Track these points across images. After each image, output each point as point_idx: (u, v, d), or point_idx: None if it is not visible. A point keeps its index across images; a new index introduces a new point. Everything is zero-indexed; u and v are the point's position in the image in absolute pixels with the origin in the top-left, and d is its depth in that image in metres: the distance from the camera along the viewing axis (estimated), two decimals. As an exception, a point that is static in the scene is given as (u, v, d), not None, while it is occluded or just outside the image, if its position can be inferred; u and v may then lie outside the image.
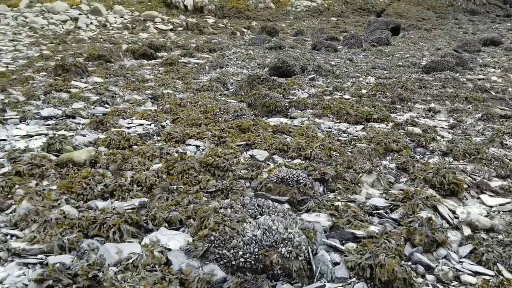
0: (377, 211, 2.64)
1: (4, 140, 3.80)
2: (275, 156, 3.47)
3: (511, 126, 4.37)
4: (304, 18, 20.91)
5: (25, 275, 1.94)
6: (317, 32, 15.02)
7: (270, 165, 3.31)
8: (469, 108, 5.23)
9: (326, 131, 4.24)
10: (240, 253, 1.97)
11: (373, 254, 2.06)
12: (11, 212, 2.48)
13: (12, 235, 2.26)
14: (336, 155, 3.43)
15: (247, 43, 12.06)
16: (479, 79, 7.10)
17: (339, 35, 14.58)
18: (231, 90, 6.08)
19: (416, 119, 4.58)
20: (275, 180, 2.77)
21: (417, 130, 4.06)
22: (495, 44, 11.97)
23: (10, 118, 4.37)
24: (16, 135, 3.94)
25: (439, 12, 24.99)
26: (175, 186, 2.78)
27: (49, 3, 18.12)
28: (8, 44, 10.47)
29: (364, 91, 6.05)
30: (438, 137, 4.03)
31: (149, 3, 19.90)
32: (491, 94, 5.90)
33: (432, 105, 5.29)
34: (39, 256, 2.08)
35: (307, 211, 2.59)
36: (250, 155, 3.47)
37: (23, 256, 2.08)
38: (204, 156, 3.22)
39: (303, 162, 3.32)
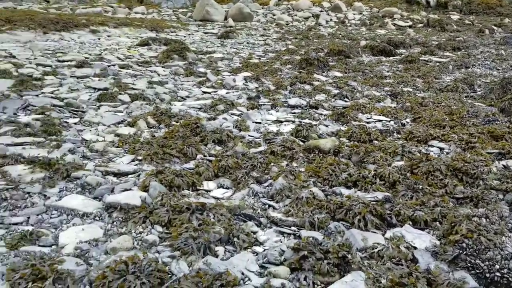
0: None
1: (259, 123, 4.31)
2: (536, 170, 3.04)
3: None
4: None
5: (281, 242, 2.19)
6: None
7: (529, 179, 2.92)
8: None
9: None
10: (497, 266, 1.81)
11: None
12: (268, 186, 2.81)
13: (269, 205, 2.57)
14: None
15: (498, 42, 10.79)
16: None
17: None
18: (479, 93, 5.56)
19: None
20: (539, 197, 2.43)
21: None
22: None
23: (264, 105, 4.93)
24: (268, 120, 4.43)
25: None
26: (420, 186, 2.71)
27: (294, 1, 19.62)
28: (259, 38, 11.77)
29: None
30: None
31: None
32: None
33: None
34: (292, 228, 2.31)
35: None
36: (503, 165, 3.13)
37: (280, 225, 2.34)
38: (450, 160, 3.05)
39: None
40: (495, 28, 13.53)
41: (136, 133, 3.75)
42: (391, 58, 8.38)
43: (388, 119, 4.38)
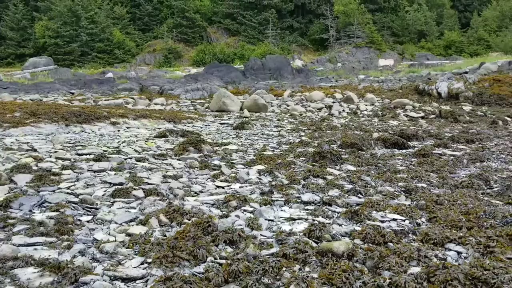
0: None
1: (272, 220, 4.27)
2: (562, 280, 2.90)
3: None
4: None
5: None
6: None
7: (556, 290, 2.77)
8: None
9: None
10: None
11: None
12: (279, 294, 2.72)
13: (280, 318, 2.46)
14: None
15: None
16: None
17: None
18: (495, 189, 5.48)
19: None
20: None
21: None
22: None
23: (277, 200, 4.92)
24: (281, 217, 4.39)
25: None
26: (437, 298, 2.60)
27: (308, 92, 20.36)
28: (274, 129, 12.06)
29: None
30: None
31: (400, 90, 20.26)
32: None
33: None
34: None
35: None
36: (527, 273, 2.99)
37: None
38: (469, 267, 2.93)
39: None
40: (508, 119, 13.68)
41: (147, 232, 3.73)
42: (404, 151, 8.44)
43: (403, 218, 4.30)
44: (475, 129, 11.63)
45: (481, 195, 5.17)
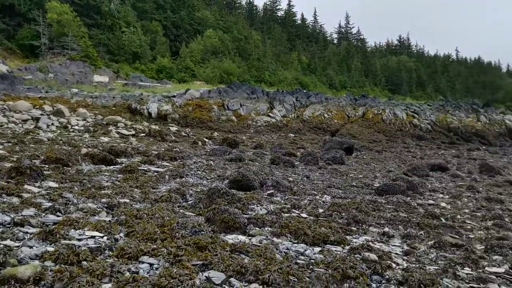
0: None
1: None
2: (232, 279, 3.37)
3: (462, 256, 4.48)
4: (264, 133, 21.84)
5: None
6: (276, 147, 15.62)
7: (226, 289, 3.20)
8: (421, 234, 5.37)
9: (285, 252, 4.20)
10: None
11: None
12: None
13: None
14: (294, 280, 3.38)
15: (208, 153, 12.29)
16: (429, 205, 7.40)
17: (297, 151, 15.21)
18: (190, 202, 6.04)
19: (371, 243, 4.64)
20: (231, 308, 2.66)
21: (372, 256, 4.10)
22: (442, 170, 12.68)
23: (-47, 224, 4.11)
24: (-44, 244, 3.68)
25: (389, 136, 26.75)
26: (125, 312, 2.62)
27: (12, 101, 18.21)
28: (-38, 140, 10.21)
29: (320, 210, 6.15)
30: (394, 265, 4.07)
31: (113, 108, 20.34)
32: (441, 221, 6.12)
33: (386, 229, 5.41)
34: None
35: None
36: (206, 276, 3.36)
37: None
38: (158, 278, 3.09)
39: (260, 287, 3.24)
40: (206, 140, 15.48)
41: None
42: (111, 167, 8.42)
43: (102, 235, 4.23)
44: (178, 148, 12.67)
45: (177, 208, 5.60)
